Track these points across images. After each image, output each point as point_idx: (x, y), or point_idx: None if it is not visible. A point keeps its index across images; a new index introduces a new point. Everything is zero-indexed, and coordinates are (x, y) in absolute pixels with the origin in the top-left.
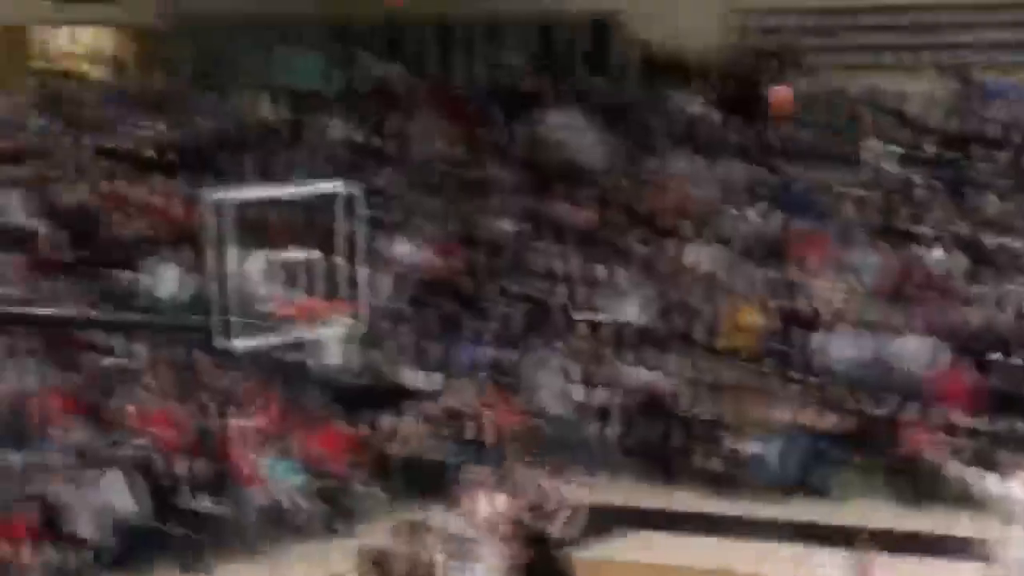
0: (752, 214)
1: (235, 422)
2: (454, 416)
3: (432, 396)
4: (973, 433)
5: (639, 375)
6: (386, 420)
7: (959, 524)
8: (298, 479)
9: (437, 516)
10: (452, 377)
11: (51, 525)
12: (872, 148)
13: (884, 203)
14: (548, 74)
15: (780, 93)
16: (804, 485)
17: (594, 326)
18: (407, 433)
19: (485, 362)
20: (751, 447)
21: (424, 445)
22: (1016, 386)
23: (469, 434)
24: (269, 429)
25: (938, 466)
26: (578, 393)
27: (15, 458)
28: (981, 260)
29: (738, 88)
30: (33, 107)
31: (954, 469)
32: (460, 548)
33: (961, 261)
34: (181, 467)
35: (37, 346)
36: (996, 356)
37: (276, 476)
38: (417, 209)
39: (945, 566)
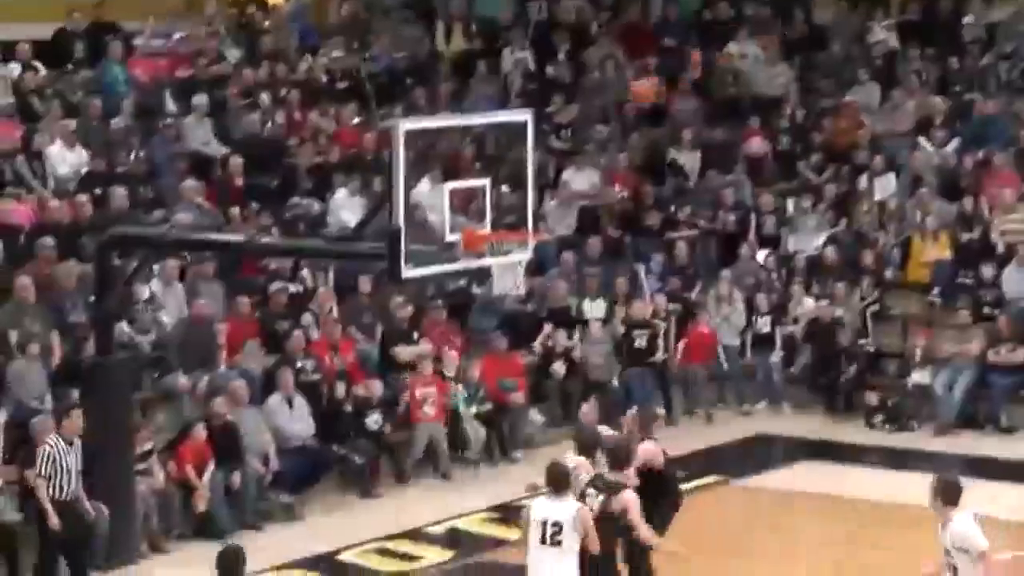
0: (936, 145)
1: (408, 349)
2: (627, 342)
3: (603, 323)
4: None
5: (813, 306)
6: (554, 345)
7: None
8: (472, 405)
9: None
10: (624, 306)
11: (225, 446)
12: None
13: None
14: (731, 4)
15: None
16: (975, 418)
17: (770, 256)
18: (575, 359)
19: (659, 291)
20: (923, 379)
21: (592, 371)
22: None
23: (641, 360)
24: (440, 356)
25: None
26: (752, 323)
27: (193, 381)
28: None
29: (927, 17)
30: (224, 35)
31: None
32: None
33: None
34: (353, 393)
35: (218, 272)
36: None
37: (451, 403)
38: (595, 139)
39: None
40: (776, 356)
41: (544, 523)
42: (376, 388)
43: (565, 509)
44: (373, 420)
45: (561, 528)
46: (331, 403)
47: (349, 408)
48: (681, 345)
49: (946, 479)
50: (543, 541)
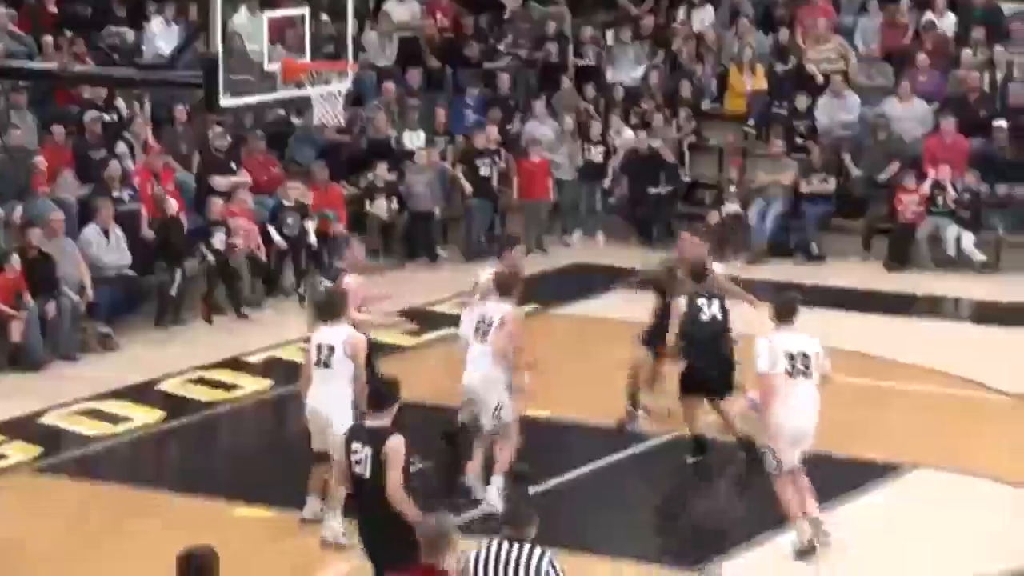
0: None
1: (226, 179)
2: (471, 172)
3: (424, 155)
4: (960, 196)
5: (631, 136)
6: (374, 175)
7: (936, 285)
8: (298, 222)
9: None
10: (445, 136)
11: (40, 276)
12: None
13: None
14: None
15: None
16: (788, 246)
17: (590, 87)
18: (397, 189)
19: (478, 122)
20: (737, 209)
21: (415, 200)
22: (1002, 150)
23: (485, 191)
24: (258, 184)
25: (921, 227)
26: (584, 151)
27: (7, 211)
28: (970, 22)
29: None
30: None
31: (936, 230)
32: None
33: (951, 22)
34: (168, 222)
35: (31, 101)
36: (987, 119)
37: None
38: None
39: (918, 324)
40: (600, 187)
41: (319, 347)
42: (194, 218)
43: (337, 334)
44: (190, 250)
45: (332, 351)
46: (148, 233)
47: (166, 238)
48: (515, 178)
49: (781, 298)
50: (317, 363)
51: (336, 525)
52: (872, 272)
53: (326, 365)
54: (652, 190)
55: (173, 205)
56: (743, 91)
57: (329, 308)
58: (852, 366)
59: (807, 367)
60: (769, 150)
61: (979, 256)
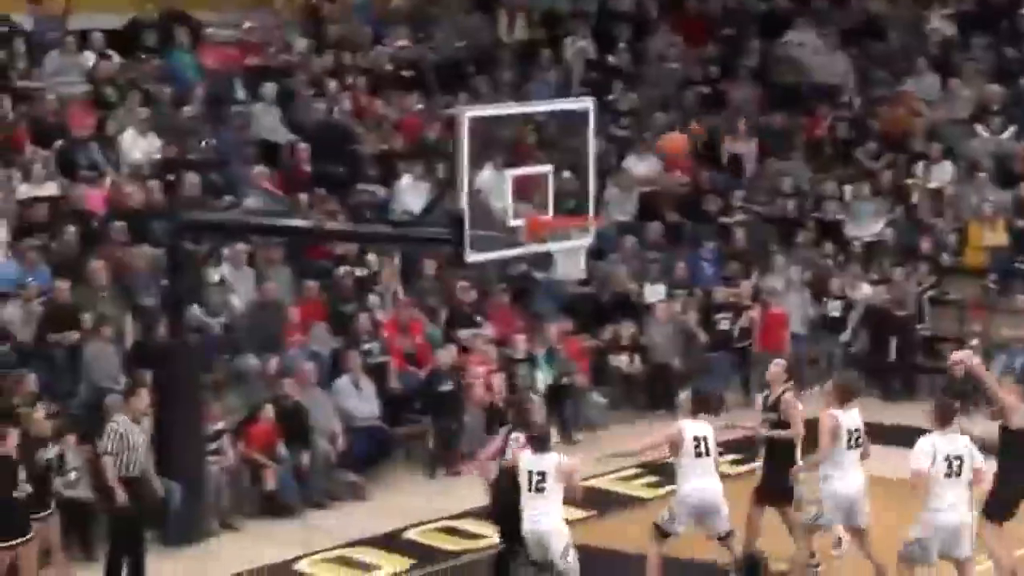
0: (992, 132)
1: (469, 331)
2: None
3: (664, 309)
4: None
5: (871, 291)
6: (617, 330)
7: None
8: (551, 370)
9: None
10: (684, 291)
11: (293, 426)
12: None
13: None
14: None
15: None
16: None
17: (828, 242)
18: (640, 343)
19: (715, 276)
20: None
21: (655, 352)
22: None
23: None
24: (499, 339)
25: None
26: (823, 307)
27: (262, 363)
28: None
29: (983, 6)
30: (290, 24)
31: None
32: None
33: None
34: (413, 375)
35: (286, 256)
36: None
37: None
38: (654, 126)
39: None
40: (839, 341)
41: (531, 473)
42: (440, 371)
43: (548, 461)
44: (430, 403)
45: (544, 476)
46: (396, 385)
47: (412, 391)
48: (757, 331)
49: (939, 402)
50: (530, 489)
51: None
52: None
53: (539, 490)
54: (891, 345)
55: (445, 356)
56: (983, 246)
57: (541, 441)
58: None
59: None
60: (1012, 305)
61: None
